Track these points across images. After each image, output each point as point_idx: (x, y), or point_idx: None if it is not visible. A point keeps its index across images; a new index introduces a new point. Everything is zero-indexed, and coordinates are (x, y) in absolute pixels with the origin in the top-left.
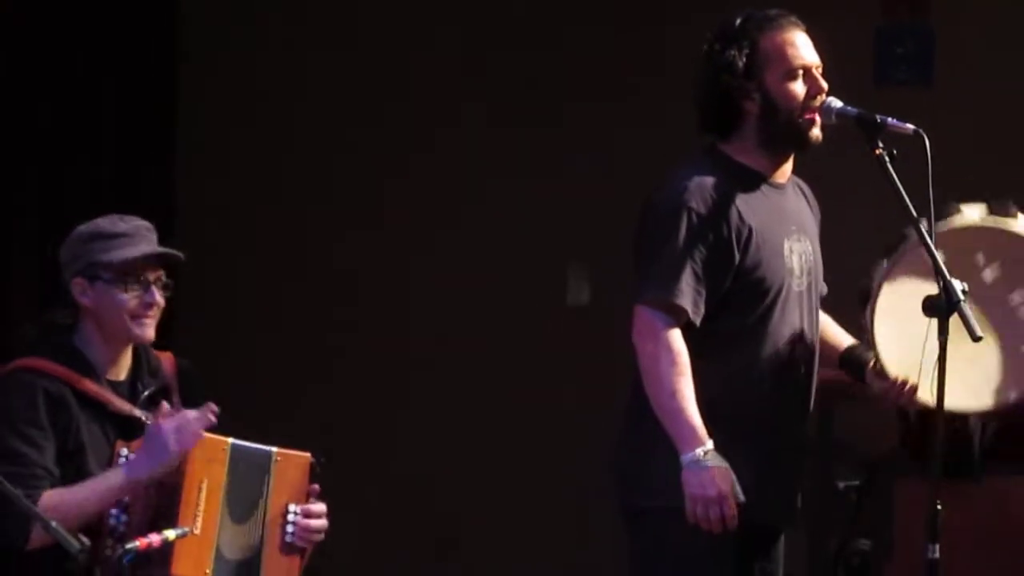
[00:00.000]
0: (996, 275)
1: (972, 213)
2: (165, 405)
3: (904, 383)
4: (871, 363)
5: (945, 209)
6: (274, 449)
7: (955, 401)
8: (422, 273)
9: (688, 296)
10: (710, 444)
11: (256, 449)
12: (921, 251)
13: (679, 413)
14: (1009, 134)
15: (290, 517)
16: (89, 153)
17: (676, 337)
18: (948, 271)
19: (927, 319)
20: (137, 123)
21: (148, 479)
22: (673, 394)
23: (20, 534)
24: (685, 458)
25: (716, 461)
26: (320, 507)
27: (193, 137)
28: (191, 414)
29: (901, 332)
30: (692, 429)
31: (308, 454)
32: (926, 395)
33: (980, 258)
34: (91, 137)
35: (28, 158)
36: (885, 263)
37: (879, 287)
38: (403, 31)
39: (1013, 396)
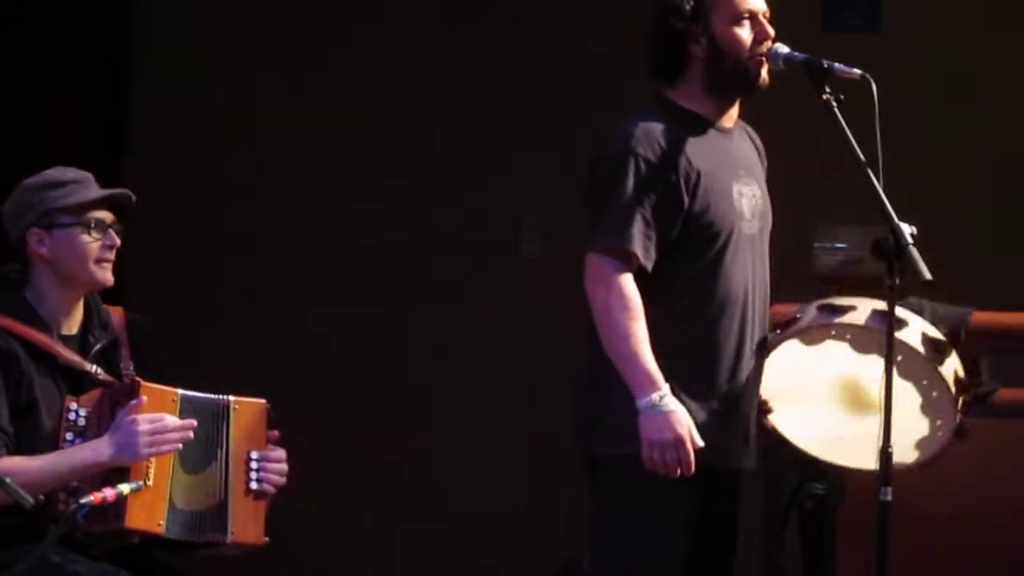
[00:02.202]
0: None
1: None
2: (143, 398)
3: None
4: None
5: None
6: (231, 398)
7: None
8: (371, 224)
9: (639, 242)
10: (666, 388)
11: (210, 398)
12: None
13: (633, 358)
14: (955, 79)
15: (253, 464)
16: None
17: (628, 282)
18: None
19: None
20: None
21: (107, 465)
22: (626, 339)
23: None
24: (641, 403)
25: (672, 406)
26: (280, 452)
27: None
28: (172, 422)
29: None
30: (647, 374)
31: (263, 400)
32: (782, 425)
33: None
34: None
35: None
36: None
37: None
38: None
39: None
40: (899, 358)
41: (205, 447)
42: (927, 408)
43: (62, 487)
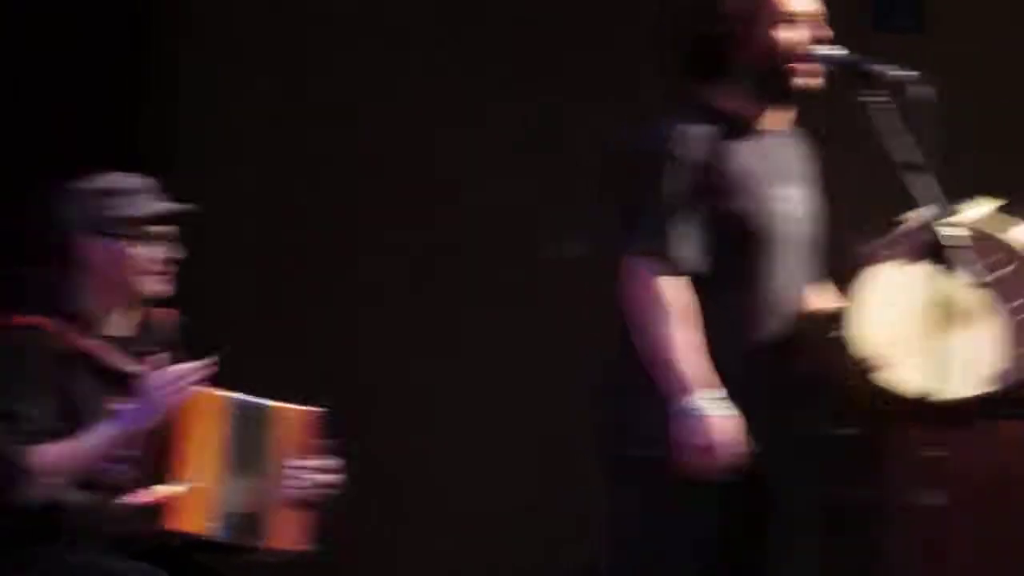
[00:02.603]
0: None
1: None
2: (160, 357)
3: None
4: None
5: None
6: (277, 404)
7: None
8: (383, 225)
9: (680, 244)
10: (706, 392)
11: (257, 404)
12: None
13: (668, 362)
14: (1005, 80)
15: (295, 472)
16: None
17: (668, 285)
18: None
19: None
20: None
21: (141, 429)
22: (662, 343)
23: (12, 493)
24: (675, 407)
25: (708, 410)
26: (324, 462)
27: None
28: (185, 366)
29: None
30: (681, 378)
31: (311, 408)
32: (892, 377)
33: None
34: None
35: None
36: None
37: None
38: None
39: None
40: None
41: (250, 452)
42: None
43: (107, 466)
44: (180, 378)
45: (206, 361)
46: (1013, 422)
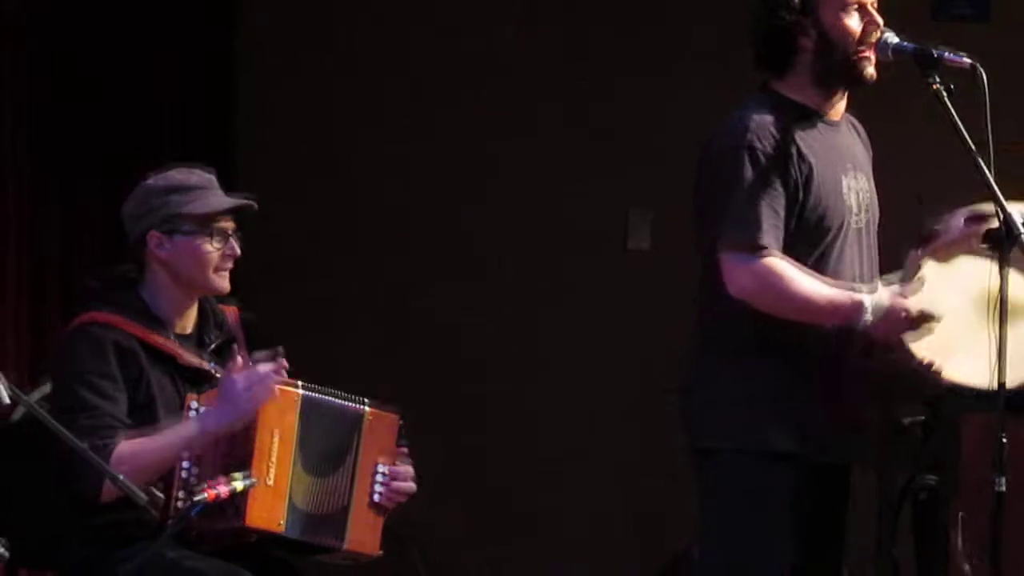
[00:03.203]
0: None
1: None
2: (239, 359)
3: (929, 365)
4: None
5: None
6: (366, 408)
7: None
8: (487, 219)
9: (770, 233)
10: (865, 294)
11: (345, 405)
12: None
13: (822, 311)
14: None
15: (379, 477)
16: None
17: (767, 262)
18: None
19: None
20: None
21: (222, 432)
22: (802, 303)
23: (93, 487)
24: (862, 324)
25: (878, 308)
26: (407, 469)
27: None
28: (264, 368)
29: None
30: (843, 309)
31: (396, 414)
32: (953, 374)
33: None
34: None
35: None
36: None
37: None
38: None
39: None
40: None
41: (333, 451)
42: None
43: (179, 463)
44: (262, 380)
45: (280, 361)
46: None
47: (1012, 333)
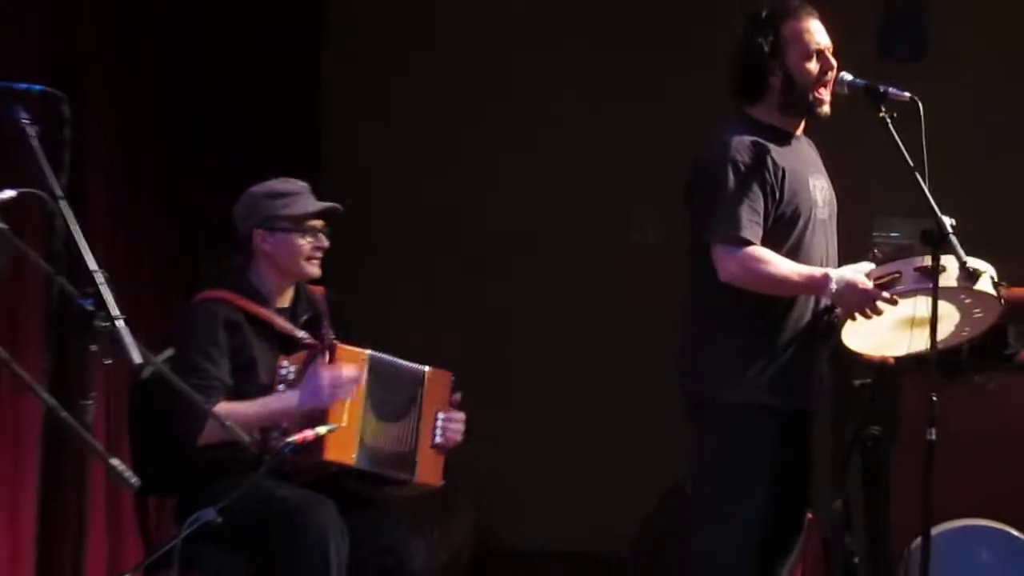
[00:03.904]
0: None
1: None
2: (341, 349)
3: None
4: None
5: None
6: (426, 369)
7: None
8: (520, 213)
9: (749, 227)
10: (831, 272)
11: (409, 367)
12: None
13: (798, 285)
14: (993, 102)
15: (438, 422)
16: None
17: (750, 251)
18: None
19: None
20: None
21: (302, 412)
22: (782, 280)
23: (194, 431)
24: (829, 294)
25: (841, 283)
26: (460, 415)
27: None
28: (348, 374)
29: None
30: (813, 284)
31: (450, 372)
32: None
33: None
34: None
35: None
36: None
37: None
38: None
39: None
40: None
41: (400, 403)
42: (968, 313)
43: (270, 427)
44: (343, 383)
45: (360, 374)
46: (989, 378)
47: (910, 332)
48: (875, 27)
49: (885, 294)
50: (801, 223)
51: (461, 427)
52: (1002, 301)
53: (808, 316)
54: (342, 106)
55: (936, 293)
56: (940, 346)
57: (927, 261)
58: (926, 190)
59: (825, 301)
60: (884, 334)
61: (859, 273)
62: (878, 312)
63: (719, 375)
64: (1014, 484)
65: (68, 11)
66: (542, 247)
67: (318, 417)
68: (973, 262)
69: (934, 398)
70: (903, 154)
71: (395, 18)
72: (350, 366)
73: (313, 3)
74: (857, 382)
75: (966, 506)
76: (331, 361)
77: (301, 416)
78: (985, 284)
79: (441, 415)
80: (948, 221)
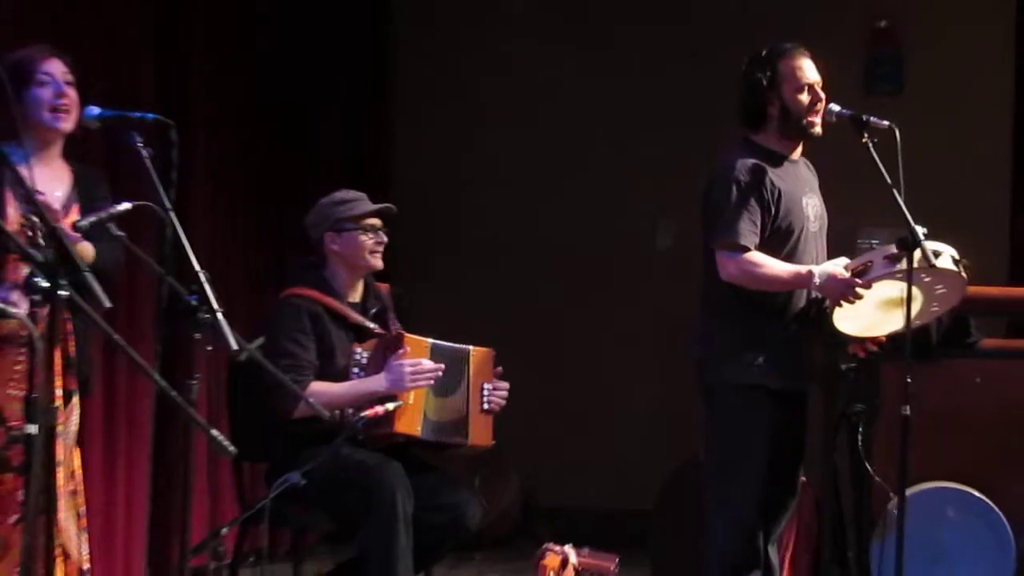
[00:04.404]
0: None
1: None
2: (406, 348)
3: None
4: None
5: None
6: (470, 348)
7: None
8: (563, 223)
9: (747, 236)
10: (815, 269)
11: (457, 348)
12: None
13: (786, 283)
14: (956, 130)
15: (484, 392)
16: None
17: (746, 256)
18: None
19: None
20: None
21: (380, 394)
22: (773, 279)
23: (288, 407)
24: (814, 287)
25: (824, 276)
26: (504, 384)
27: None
28: (427, 365)
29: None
30: (798, 279)
31: (492, 349)
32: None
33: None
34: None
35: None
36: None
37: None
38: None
39: (936, 307)
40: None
41: (452, 380)
42: (932, 293)
43: (349, 407)
44: (427, 373)
45: (439, 369)
46: (955, 363)
47: (891, 312)
48: (860, 66)
49: (859, 280)
50: (795, 235)
51: (504, 394)
52: (964, 275)
53: (800, 309)
54: (409, 129)
55: (910, 294)
56: (917, 321)
57: (893, 249)
58: (901, 203)
59: (814, 294)
60: (870, 316)
61: (837, 266)
62: (858, 296)
63: (725, 361)
64: (975, 453)
65: (178, 54)
66: (581, 251)
67: (390, 395)
68: (935, 245)
69: (908, 380)
70: (882, 173)
71: (457, 50)
72: (416, 354)
73: (383, 36)
74: (844, 366)
75: (935, 471)
76: (398, 348)
77: (378, 395)
78: (946, 262)
79: (487, 385)
80: (920, 229)
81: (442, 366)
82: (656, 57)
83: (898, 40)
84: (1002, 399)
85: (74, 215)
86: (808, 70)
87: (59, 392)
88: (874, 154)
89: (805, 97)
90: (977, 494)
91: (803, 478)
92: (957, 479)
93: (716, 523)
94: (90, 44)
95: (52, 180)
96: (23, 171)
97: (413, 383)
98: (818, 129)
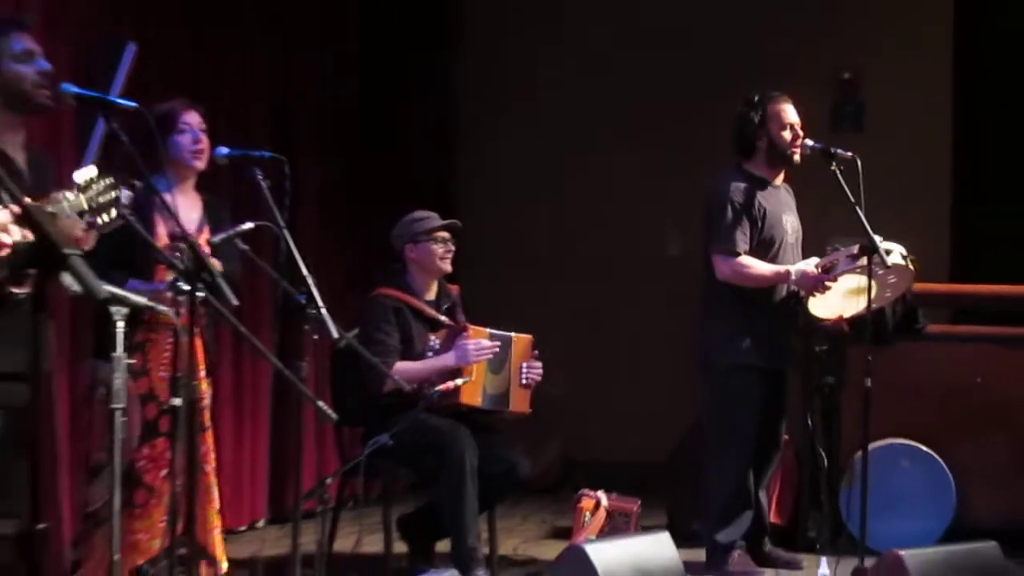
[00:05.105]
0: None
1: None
2: (469, 332)
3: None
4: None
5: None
6: (513, 334)
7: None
8: (602, 235)
9: (740, 244)
10: (791, 268)
11: (505, 334)
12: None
13: (769, 279)
14: (904, 160)
15: (524, 370)
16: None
17: (738, 259)
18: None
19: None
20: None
21: (450, 369)
22: (758, 277)
23: (379, 383)
24: (790, 282)
25: (796, 274)
26: (539, 364)
27: (469, 145)
28: (486, 344)
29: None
30: (777, 276)
31: (531, 336)
32: (816, 311)
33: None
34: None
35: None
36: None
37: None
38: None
39: (889, 295)
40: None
41: (501, 360)
42: (886, 283)
43: (426, 381)
44: (483, 349)
45: (495, 344)
46: (906, 345)
47: (853, 299)
48: (828, 109)
49: (827, 275)
50: (776, 245)
51: (539, 372)
52: (911, 267)
53: (780, 300)
54: (471, 154)
55: (871, 289)
56: (875, 305)
57: (854, 250)
58: (862, 217)
59: (792, 289)
60: (837, 302)
61: (809, 264)
62: (827, 288)
63: (718, 344)
64: (923, 416)
65: (288, 104)
66: (613, 256)
67: (457, 373)
68: (887, 244)
69: (869, 359)
70: (847, 194)
71: (516, 86)
72: (478, 339)
73: (451, 81)
74: (817, 348)
75: (891, 431)
76: (468, 336)
77: (448, 371)
78: (896, 258)
79: (525, 365)
80: (878, 237)
81: (499, 343)
82: (694, 101)
83: (859, 89)
84: (944, 373)
85: (205, 235)
86: (790, 112)
87: (202, 373)
88: (840, 178)
89: (788, 134)
90: (925, 448)
91: (786, 437)
92: (909, 437)
93: (715, 473)
94: (219, 96)
95: (189, 207)
96: (168, 199)
97: (476, 357)
98: (797, 158)
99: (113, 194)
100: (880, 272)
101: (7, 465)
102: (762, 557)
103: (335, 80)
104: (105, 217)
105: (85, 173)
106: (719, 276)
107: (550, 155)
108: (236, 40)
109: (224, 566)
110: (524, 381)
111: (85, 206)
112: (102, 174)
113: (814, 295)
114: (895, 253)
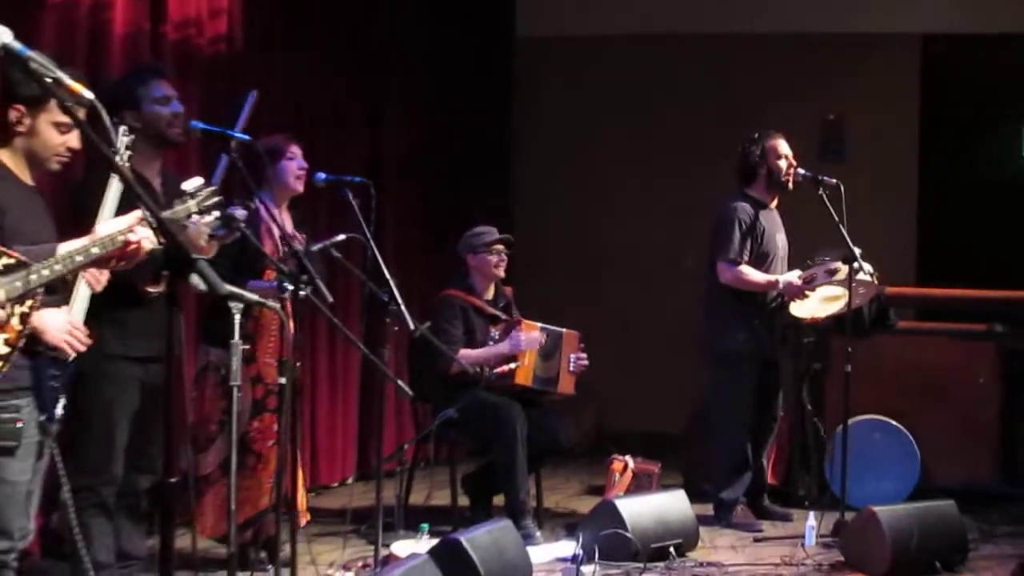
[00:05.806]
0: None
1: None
2: (524, 323)
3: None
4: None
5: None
6: (563, 330)
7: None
8: (641, 246)
9: (742, 254)
10: (780, 278)
11: (556, 329)
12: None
13: (763, 285)
14: (880, 185)
15: (571, 359)
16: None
17: (739, 268)
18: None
19: (817, 294)
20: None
21: (505, 355)
22: (753, 284)
23: (446, 366)
24: (779, 289)
25: (783, 283)
26: (584, 355)
27: (526, 158)
28: (535, 336)
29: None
30: (766, 284)
31: (578, 332)
32: (797, 312)
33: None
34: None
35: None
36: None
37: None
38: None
39: (858, 301)
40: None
41: (552, 349)
42: (856, 292)
43: (485, 365)
44: (534, 339)
45: (541, 336)
46: (881, 337)
47: (829, 304)
48: (816, 143)
49: (808, 285)
50: (769, 258)
51: (584, 362)
52: (876, 281)
53: (770, 300)
54: (529, 167)
55: (851, 293)
56: (845, 309)
57: (832, 265)
58: (844, 234)
59: (778, 294)
60: (815, 306)
61: (793, 276)
62: (806, 296)
63: (719, 336)
64: (894, 396)
65: (376, 135)
66: (642, 264)
67: (512, 359)
68: (859, 264)
69: (849, 349)
70: (832, 214)
71: (571, 105)
72: (530, 332)
73: (510, 109)
74: (806, 340)
75: (867, 408)
76: (521, 329)
77: (504, 357)
78: (864, 276)
79: (572, 355)
80: (857, 251)
81: (544, 335)
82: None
83: (842, 126)
84: (912, 361)
85: (299, 244)
86: (784, 147)
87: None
88: (827, 201)
89: (783, 164)
90: (895, 423)
91: (781, 413)
92: (882, 413)
93: (719, 442)
94: (319, 127)
95: (287, 221)
96: (275, 212)
97: (527, 347)
98: (791, 185)
99: (215, 199)
100: (853, 284)
101: (146, 433)
102: (761, 511)
103: (416, 112)
104: (208, 217)
105: (193, 183)
106: (721, 280)
107: (597, 185)
108: (333, 103)
109: (307, 516)
110: (572, 368)
111: (194, 208)
112: (206, 184)
113: (796, 300)
114: (865, 270)
